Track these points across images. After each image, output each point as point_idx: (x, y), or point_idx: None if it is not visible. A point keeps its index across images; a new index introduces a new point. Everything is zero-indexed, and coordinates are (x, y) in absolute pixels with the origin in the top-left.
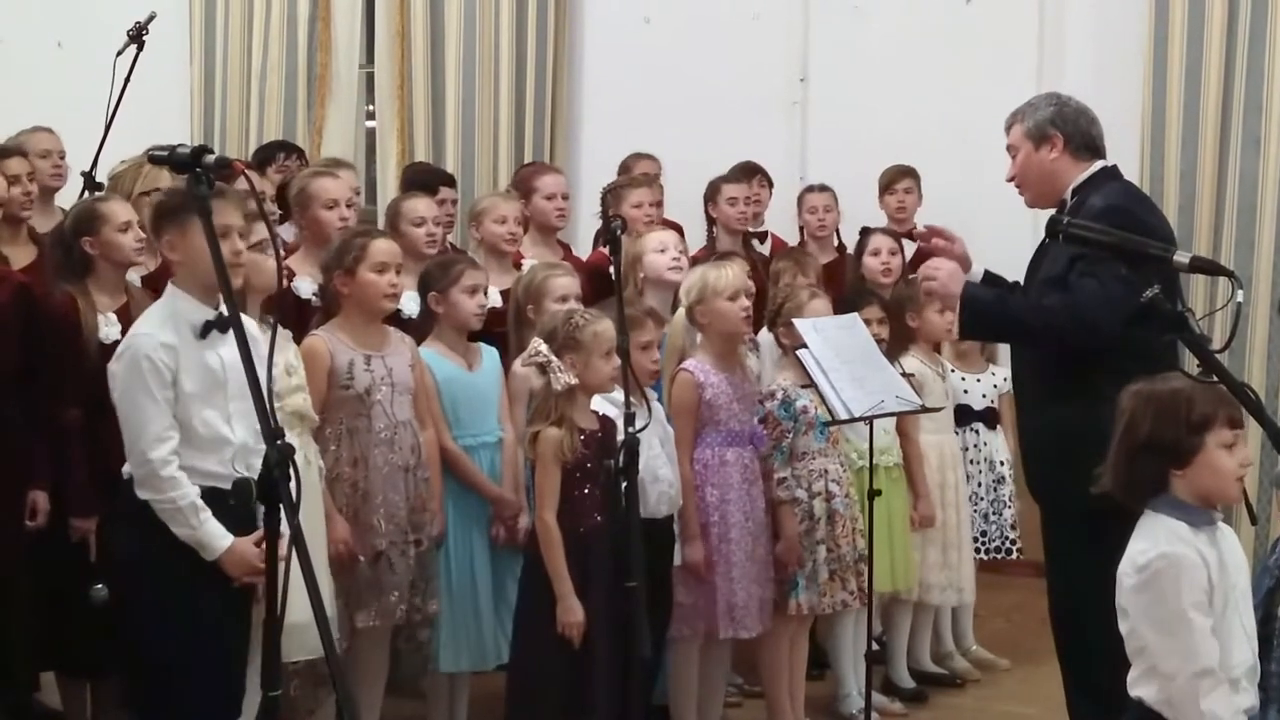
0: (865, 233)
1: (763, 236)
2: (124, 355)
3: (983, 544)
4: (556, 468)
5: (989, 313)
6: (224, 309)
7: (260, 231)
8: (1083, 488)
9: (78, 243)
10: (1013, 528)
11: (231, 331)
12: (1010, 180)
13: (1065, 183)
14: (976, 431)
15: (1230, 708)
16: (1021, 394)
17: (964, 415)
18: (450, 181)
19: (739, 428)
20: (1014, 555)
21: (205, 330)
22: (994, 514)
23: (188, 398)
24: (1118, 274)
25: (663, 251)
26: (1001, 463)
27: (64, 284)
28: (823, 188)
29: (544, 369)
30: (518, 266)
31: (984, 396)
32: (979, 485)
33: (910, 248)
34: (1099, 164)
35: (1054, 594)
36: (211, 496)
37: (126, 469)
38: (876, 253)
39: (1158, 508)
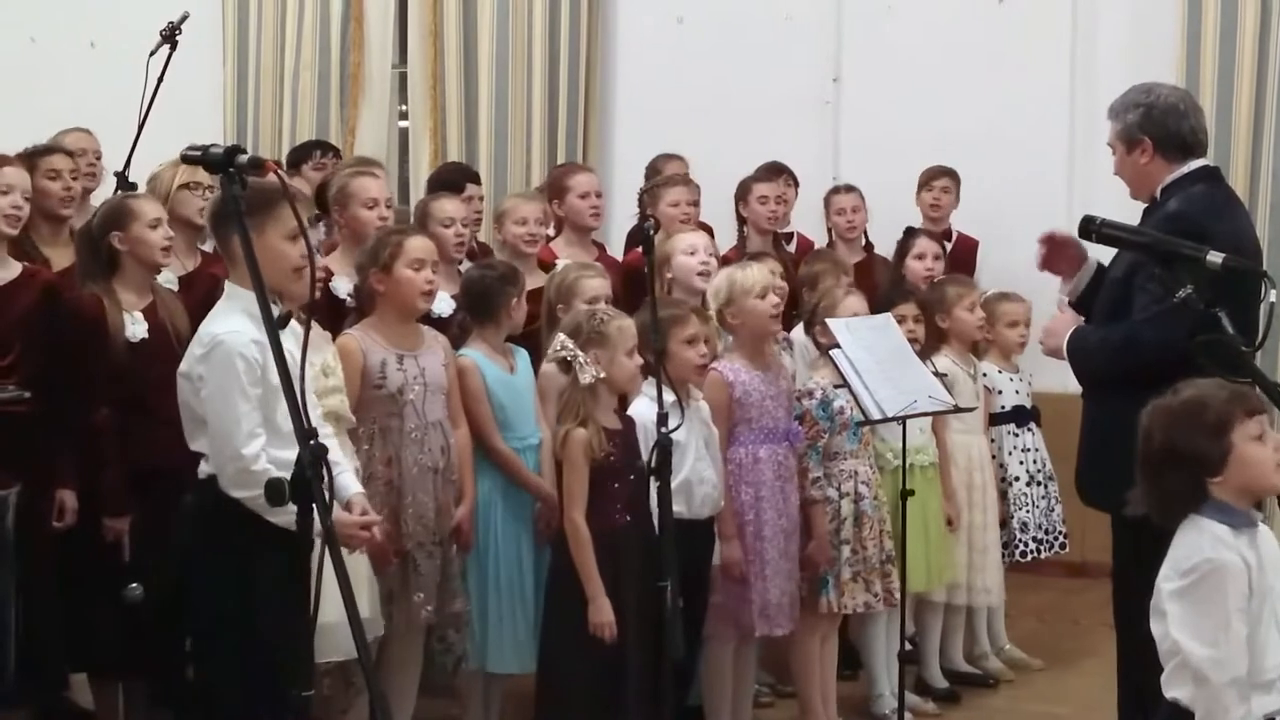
0: (910, 233)
1: (789, 237)
2: (211, 354)
3: (1046, 542)
4: (585, 467)
5: (1083, 366)
6: (281, 306)
7: None
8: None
9: (105, 239)
10: (1063, 521)
11: (290, 327)
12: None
13: (1156, 183)
14: (1032, 431)
15: (1255, 713)
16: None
17: (1021, 415)
18: (476, 179)
19: (772, 425)
20: (1066, 549)
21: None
22: (1049, 510)
23: (273, 392)
24: (1165, 295)
25: (692, 254)
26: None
27: (89, 282)
28: (849, 188)
29: (569, 364)
30: (545, 267)
31: (1028, 396)
32: (1039, 484)
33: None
34: (1193, 164)
35: (1118, 599)
36: None
37: (206, 468)
38: (921, 256)
39: (1201, 511)
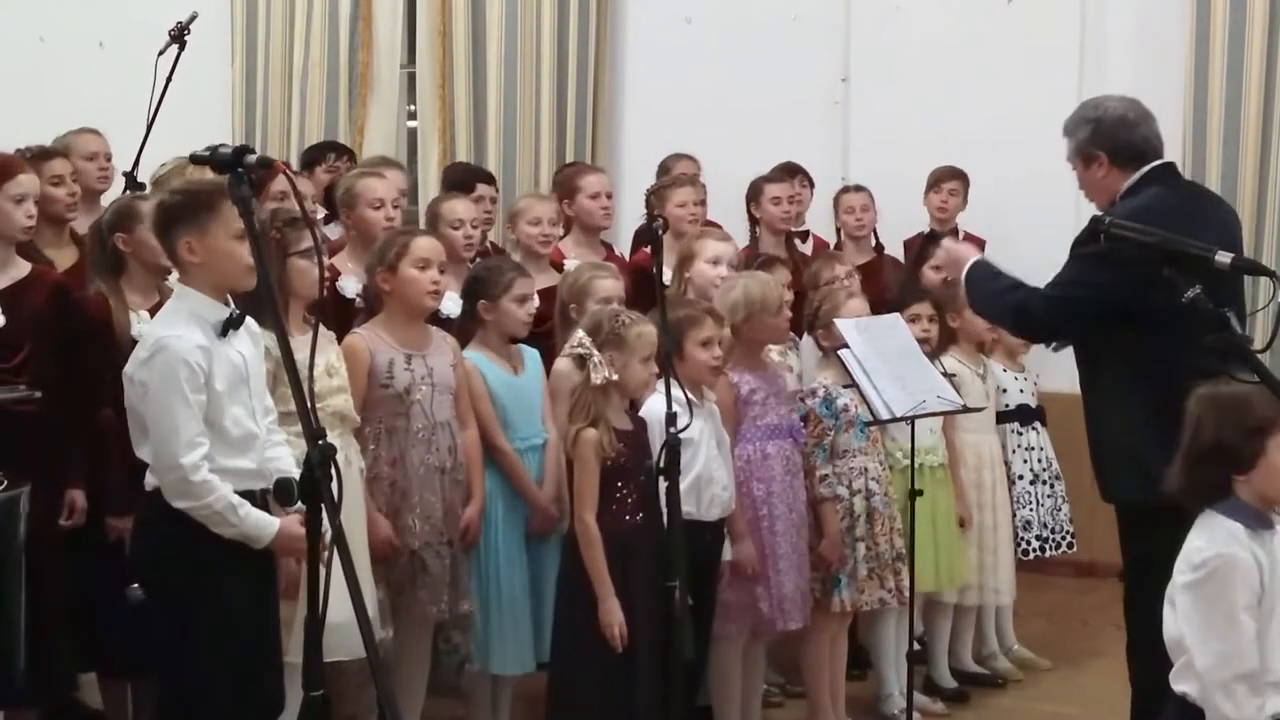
0: (929, 239)
1: (804, 236)
2: (154, 359)
3: (1052, 541)
4: (595, 468)
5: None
6: (234, 307)
7: (305, 237)
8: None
9: (112, 239)
10: (1070, 521)
11: (244, 328)
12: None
13: (1116, 192)
14: (1036, 430)
15: (1265, 711)
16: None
17: (1025, 415)
18: (488, 179)
19: (778, 421)
20: (1074, 549)
21: (224, 329)
22: (1056, 510)
23: (219, 397)
24: (1078, 279)
25: (715, 264)
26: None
27: (98, 280)
28: (859, 188)
29: (583, 361)
30: (557, 267)
31: (1033, 395)
32: (1044, 483)
33: None
34: (1147, 168)
35: (1128, 598)
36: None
37: (151, 481)
38: (938, 269)
39: (1218, 508)
